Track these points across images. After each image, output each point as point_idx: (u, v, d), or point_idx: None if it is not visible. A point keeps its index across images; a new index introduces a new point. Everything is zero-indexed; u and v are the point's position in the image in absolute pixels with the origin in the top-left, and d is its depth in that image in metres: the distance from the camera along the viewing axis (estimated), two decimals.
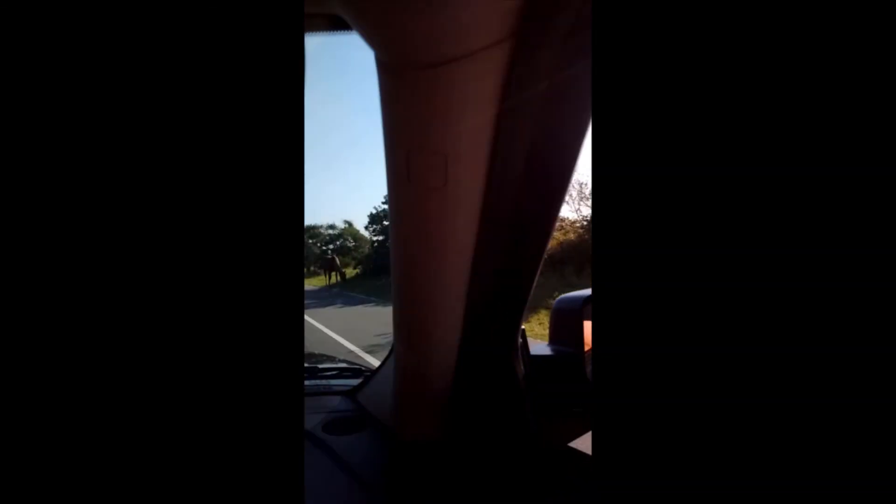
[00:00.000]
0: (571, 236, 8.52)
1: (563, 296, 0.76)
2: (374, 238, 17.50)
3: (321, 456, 0.71)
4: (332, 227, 26.19)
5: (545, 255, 0.55)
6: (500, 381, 0.64)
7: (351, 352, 4.47)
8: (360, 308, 8.95)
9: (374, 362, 3.01)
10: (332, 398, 0.92)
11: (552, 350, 0.72)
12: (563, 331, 0.72)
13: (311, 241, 25.80)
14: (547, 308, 4.18)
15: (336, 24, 0.40)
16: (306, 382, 1.01)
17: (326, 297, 11.41)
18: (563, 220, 8.71)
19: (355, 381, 0.96)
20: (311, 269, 23.20)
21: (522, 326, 0.65)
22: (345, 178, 45.81)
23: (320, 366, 1.12)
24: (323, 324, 6.59)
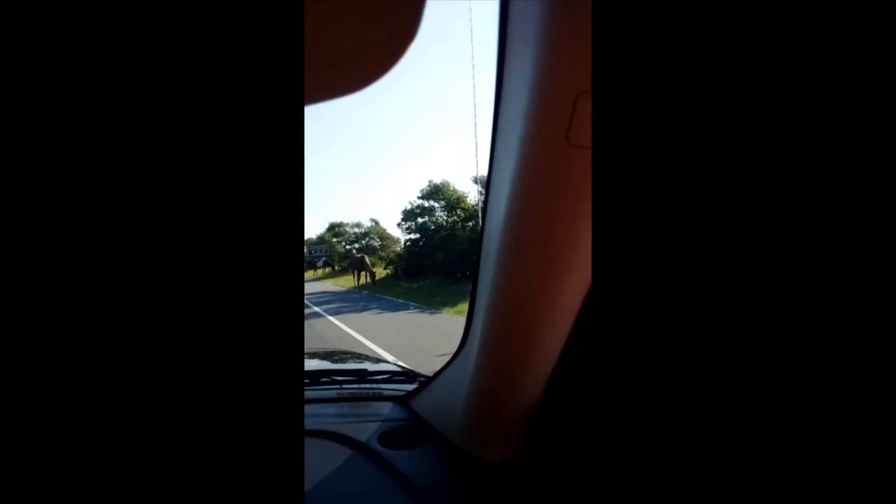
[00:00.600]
0: None
1: None
2: (408, 237, 16.17)
3: (379, 472, 0.65)
4: (357, 225, 25.56)
5: None
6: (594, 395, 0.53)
7: None
8: (402, 315, 7.74)
9: None
10: (382, 404, 0.89)
11: None
12: None
13: (335, 239, 25.28)
14: None
15: None
16: (354, 387, 0.97)
17: (358, 301, 10.27)
18: None
19: (408, 387, 0.92)
20: (336, 268, 22.50)
21: None
22: (371, 175, 45.44)
23: (370, 368, 1.06)
24: (365, 335, 5.42)
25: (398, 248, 19.80)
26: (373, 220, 25.47)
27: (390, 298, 10.26)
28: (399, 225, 16.29)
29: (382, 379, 1.01)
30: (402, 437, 0.74)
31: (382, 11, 0.22)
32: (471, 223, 13.53)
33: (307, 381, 0.99)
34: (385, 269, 16.01)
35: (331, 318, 7.56)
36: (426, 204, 15.15)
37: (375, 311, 8.46)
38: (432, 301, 8.96)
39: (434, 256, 13.15)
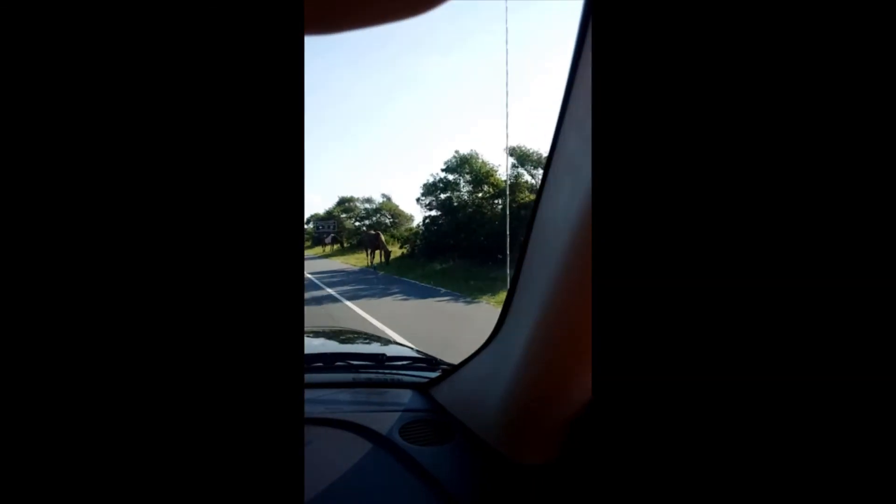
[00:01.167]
0: None
1: None
2: (428, 213, 14.76)
3: (403, 472, 0.61)
4: (368, 200, 24.32)
5: None
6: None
7: None
8: (433, 304, 6.55)
9: None
10: (402, 392, 0.85)
11: None
12: None
13: (344, 215, 24.12)
14: None
15: None
16: (372, 373, 0.92)
17: (375, 283, 9.08)
18: None
19: (429, 374, 0.89)
20: (345, 244, 21.37)
21: None
22: (386, 149, 44.02)
23: (388, 353, 0.99)
24: (392, 328, 4.24)
25: (412, 226, 18.56)
26: (385, 195, 24.21)
27: (413, 282, 9.06)
28: (418, 200, 14.85)
29: (402, 365, 0.95)
30: (426, 431, 0.70)
31: None
32: (499, 201, 12.24)
33: (321, 363, 0.96)
34: (401, 248, 14.76)
35: (349, 303, 6.40)
36: (450, 178, 13.80)
37: (399, 296, 7.27)
38: (466, 287, 7.77)
39: (456, 236, 11.91)
